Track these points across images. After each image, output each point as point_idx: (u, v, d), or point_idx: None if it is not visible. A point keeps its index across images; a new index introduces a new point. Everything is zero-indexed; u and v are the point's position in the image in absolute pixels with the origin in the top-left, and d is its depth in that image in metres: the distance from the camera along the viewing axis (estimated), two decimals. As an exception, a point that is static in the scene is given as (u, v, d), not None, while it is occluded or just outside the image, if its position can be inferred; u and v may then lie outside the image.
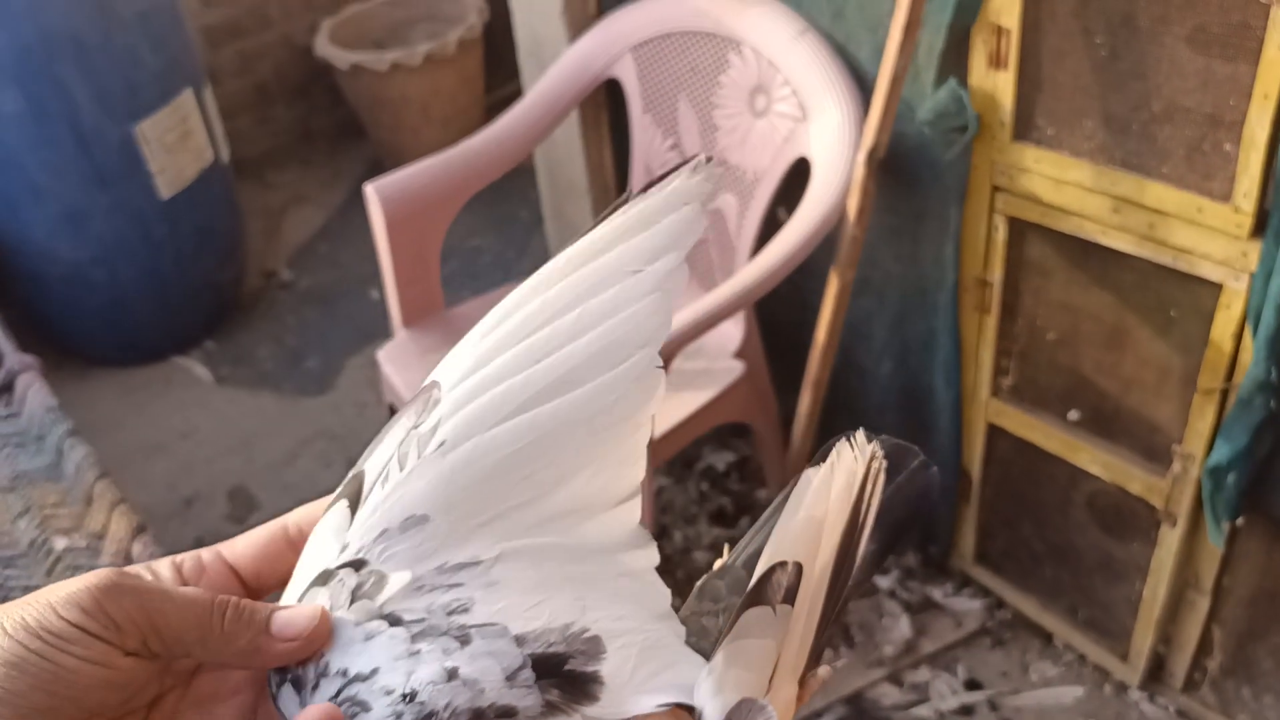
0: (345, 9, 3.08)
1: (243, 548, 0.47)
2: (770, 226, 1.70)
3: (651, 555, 0.46)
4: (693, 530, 2.03)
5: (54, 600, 0.40)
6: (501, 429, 0.44)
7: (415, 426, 0.45)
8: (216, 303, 2.69)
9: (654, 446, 1.60)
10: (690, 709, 0.42)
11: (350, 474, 0.46)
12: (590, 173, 2.10)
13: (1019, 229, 1.52)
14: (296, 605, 0.44)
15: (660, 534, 2.01)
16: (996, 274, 1.57)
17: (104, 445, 1.79)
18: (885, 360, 1.81)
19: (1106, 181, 1.38)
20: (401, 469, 0.45)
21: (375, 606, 0.43)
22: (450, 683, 0.41)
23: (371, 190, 1.71)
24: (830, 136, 1.61)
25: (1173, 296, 1.41)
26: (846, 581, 0.44)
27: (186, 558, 0.46)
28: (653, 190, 0.46)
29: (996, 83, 1.43)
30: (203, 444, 2.38)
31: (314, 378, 2.54)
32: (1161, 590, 1.59)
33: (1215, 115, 1.25)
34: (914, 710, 1.74)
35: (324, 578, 0.44)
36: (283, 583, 0.47)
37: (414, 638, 0.42)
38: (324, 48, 2.95)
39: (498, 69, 3.08)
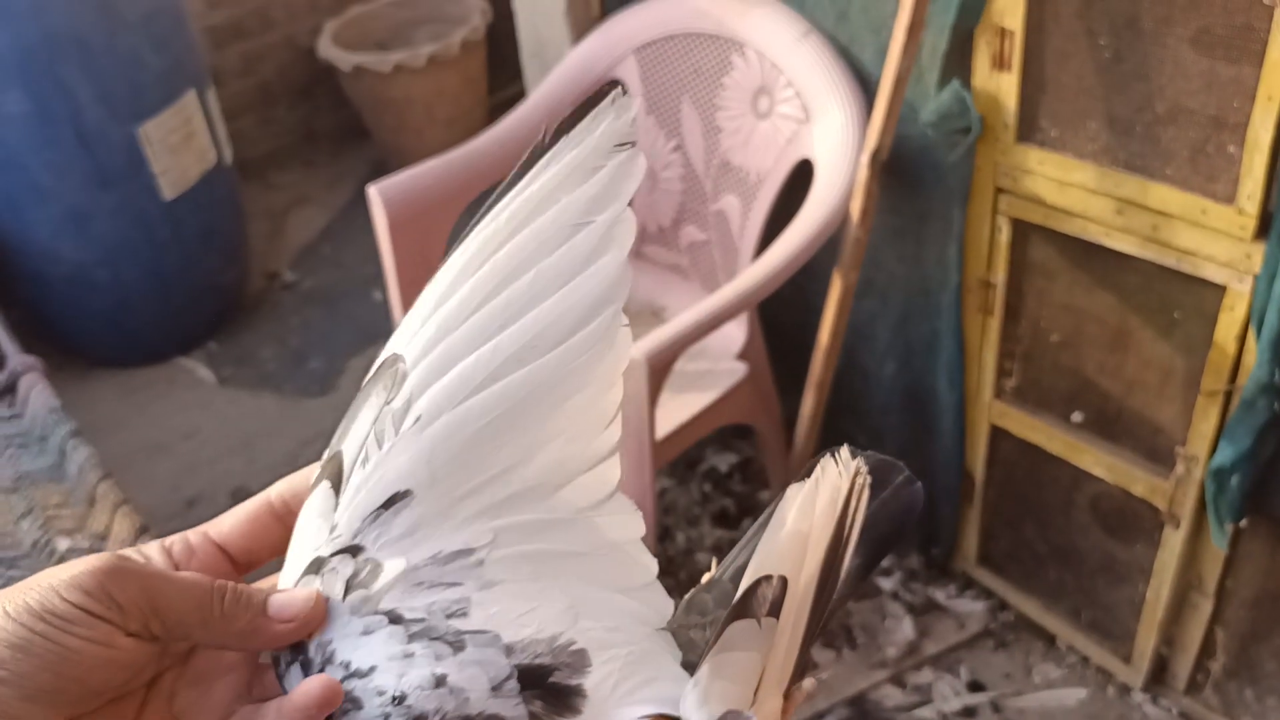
0: (348, 10, 3.08)
1: (229, 527, 0.48)
2: (773, 228, 1.70)
3: (637, 525, 0.47)
4: (695, 532, 2.03)
5: (56, 583, 0.40)
6: (475, 400, 0.45)
7: (387, 403, 0.46)
8: (219, 304, 2.69)
9: (657, 448, 1.60)
10: None
11: (327, 454, 0.47)
12: (593, 174, 2.09)
13: (1022, 230, 1.52)
14: (292, 589, 0.45)
15: (663, 535, 2.01)
16: (1000, 275, 1.57)
17: (106, 446, 1.79)
18: (888, 362, 1.81)
19: (1110, 183, 1.37)
20: (380, 447, 0.45)
21: (373, 595, 0.44)
22: (438, 689, 0.42)
23: (374, 191, 1.71)
24: (833, 138, 1.61)
25: (1176, 298, 1.40)
26: (831, 595, 0.45)
27: (175, 540, 0.47)
28: (576, 133, 0.45)
29: (1000, 84, 1.43)
30: (205, 445, 2.38)
31: (316, 379, 2.54)
32: (1165, 592, 1.59)
33: (1219, 117, 1.25)
34: (917, 712, 1.74)
35: (316, 565, 0.45)
36: (271, 556, 0.48)
37: (411, 637, 0.43)
38: (327, 49, 2.95)
39: (501, 70, 3.07)
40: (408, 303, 1.85)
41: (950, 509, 1.84)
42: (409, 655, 0.43)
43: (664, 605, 0.48)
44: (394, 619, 0.44)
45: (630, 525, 0.47)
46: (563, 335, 0.45)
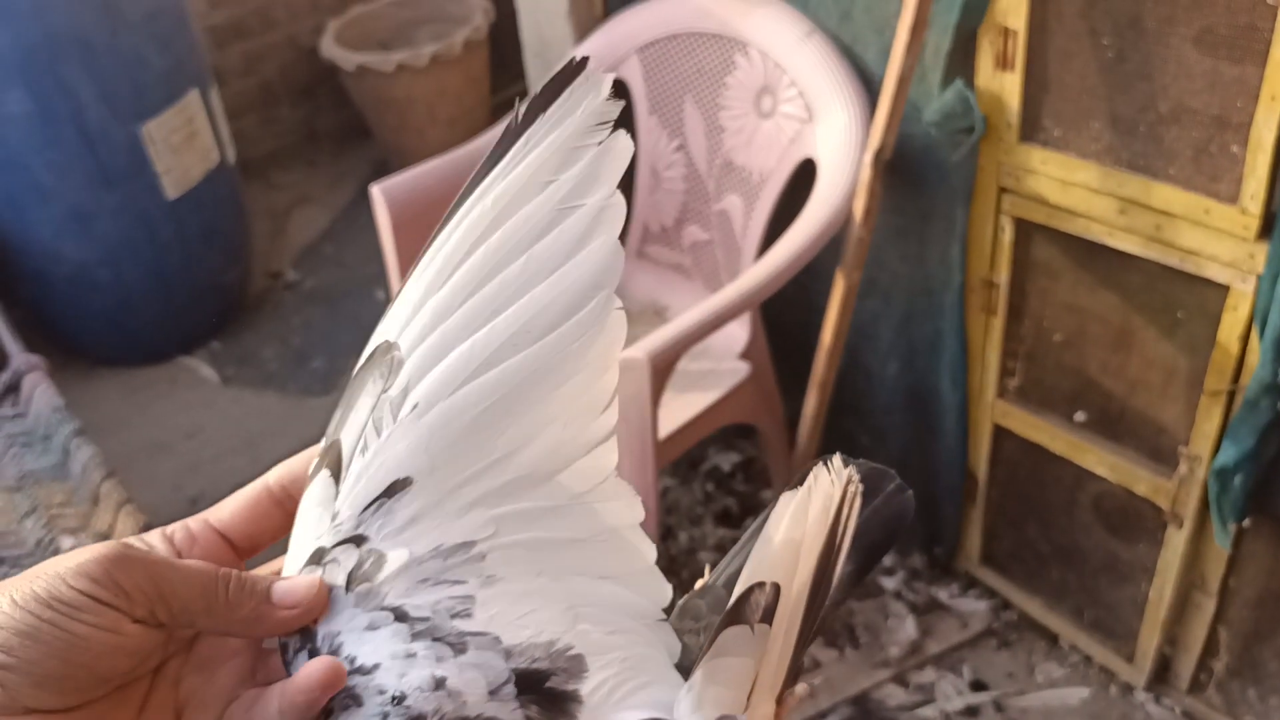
0: (351, 10, 3.08)
1: (229, 513, 0.49)
2: (776, 228, 1.70)
3: (635, 509, 0.48)
4: (698, 531, 2.03)
5: (63, 571, 0.41)
6: (472, 386, 0.45)
7: (385, 391, 0.46)
8: (222, 303, 2.69)
9: (659, 447, 1.60)
10: None
11: (325, 443, 0.47)
12: (596, 173, 2.09)
13: (1025, 230, 1.52)
14: (295, 576, 0.46)
15: (665, 534, 2.01)
16: (1003, 275, 1.57)
17: (109, 445, 1.79)
18: (891, 361, 1.81)
19: (1113, 183, 1.37)
20: (379, 434, 0.46)
21: (378, 588, 0.45)
22: (436, 691, 0.43)
23: (377, 191, 1.72)
24: (837, 138, 1.61)
25: (1179, 298, 1.40)
26: (823, 602, 0.45)
27: (176, 528, 0.48)
28: (553, 112, 0.46)
29: (1003, 84, 1.43)
30: (208, 444, 2.38)
31: (319, 378, 2.54)
32: (1167, 591, 1.59)
33: (1222, 117, 1.25)
34: (919, 711, 1.74)
35: (317, 556, 0.46)
36: (272, 541, 0.49)
37: (414, 636, 0.44)
38: (329, 48, 2.95)
39: (503, 70, 3.07)
40: (411, 302, 1.85)
41: (953, 508, 1.84)
42: (411, 655, 0.43)
43: (662, 591, 0.48)
44: (399, 616, 0.44)
45: (628, 510, 0.48)
46: (556, 320, 0.45)
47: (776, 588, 0.42)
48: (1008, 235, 1.53)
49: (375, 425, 0.46)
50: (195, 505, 2.22)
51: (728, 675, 0.42)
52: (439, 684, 0.43)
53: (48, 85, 2.16)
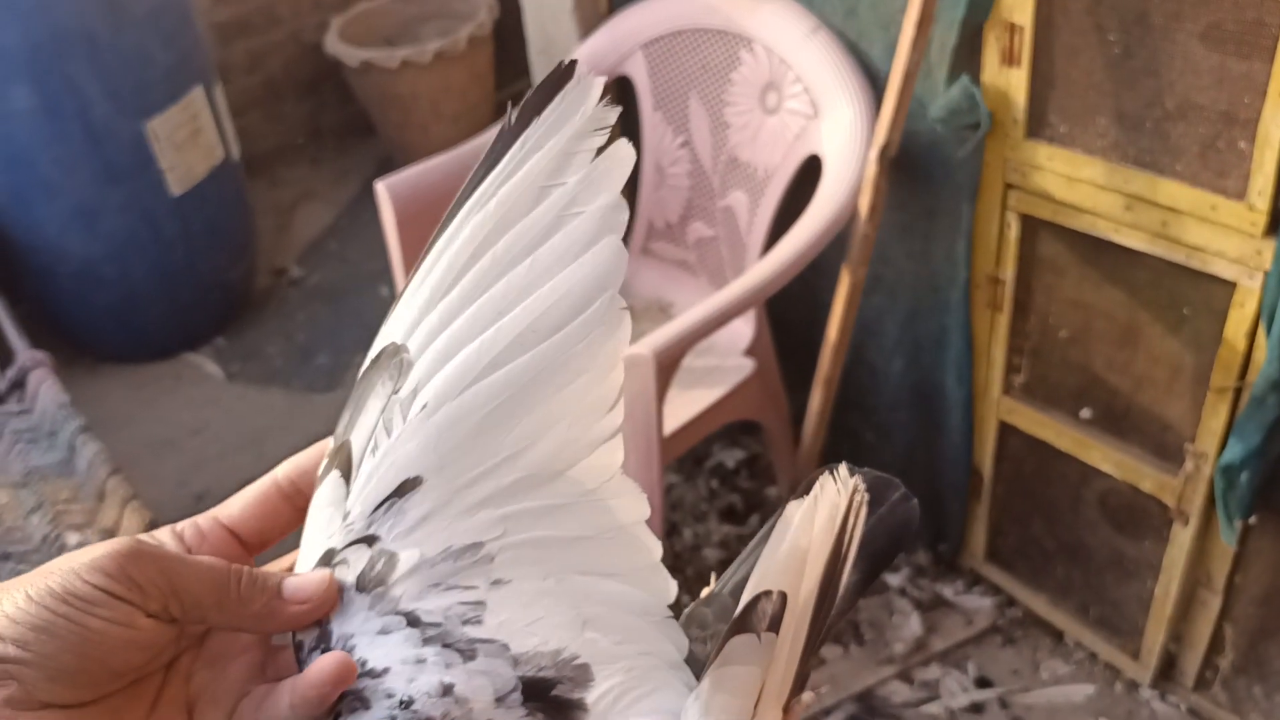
0: (355, 6, 3.08)
1: (238, 509, 0.49)
2: (781, 224, 1.70)
3: (641, 506, 0.48)
4: (702, 527, 2.03)
5: (77, 566, 0.41)
6: (480, 386, 0.46)
7: (394, 392, 0.47)
8: (227, 300, 2.70)
9: (664, 444, 1.60)
10: None
11: (335, 444, 0.48)
12: (600, 170, 2.09)
13: (1031, 226, 1.52)
14: (306, 572, 0.46)
15: (670, 531, 2.01)
16: (1009, 271, 1.56)
17: (114, 441, 1.80)
18: (897, 358, 1.81)
19: (1119, 179, 1.37)
20: (389, 435, 0.46)
21: (390, 589, 0.45)
22: (444, 697, 0.43)
23: (382, 187, 1.72)
24: (842, 134, 1.61)
25: (1186, 295, 1.40)
26: (830, 610, 0.45)
27: (185, 525, 0.48)
28: (548, 116, 0.46)
29: (1009, 80, 1.43)
30: (213, 440, 2.38)
31: (324, 374, 2.54)
32: (1173, 588, 1.58)
33: (1229, 113, 1.25)
34: (924, 708, 1.74)
35: (328, 558, 0.46)
36: (281, 537, 0.49)
37: (425, 641, 0.44)
38: (334, 45, 2.95)
39: (508, 66, 3.07)
40: (415, 299, 1.85)
41: (958, 505, 1.84)
42: (420, 660, 0.44)
43: (667, 588, 0.48)
44: (412, 621, 0.45)
45: (634, 506, 0.48)
46: (562, 320, 0.46)
47: (783, 596, 0.43)
48: (1013, 231, 1.53)
49: (385, 426, 0.46)
50: (200, 501, 2.22)
51: (734, 684, 0.42)
52: (447, 690, 0.43)
53: (53, 82, 2.16)
